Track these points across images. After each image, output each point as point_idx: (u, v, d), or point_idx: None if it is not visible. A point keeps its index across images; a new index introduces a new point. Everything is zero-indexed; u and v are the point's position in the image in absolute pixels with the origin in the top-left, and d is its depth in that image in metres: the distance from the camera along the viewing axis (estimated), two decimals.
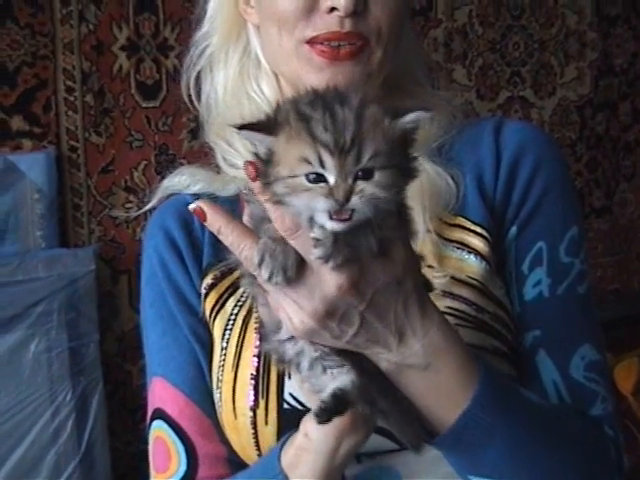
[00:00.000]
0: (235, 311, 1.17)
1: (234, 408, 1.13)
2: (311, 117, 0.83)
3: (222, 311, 1.18)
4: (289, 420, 0.99)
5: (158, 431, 1.20)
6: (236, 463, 1.17)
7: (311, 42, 1.12)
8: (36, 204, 2.60)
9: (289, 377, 1.09)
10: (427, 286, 0.98)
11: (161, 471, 1.19)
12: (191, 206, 0.92)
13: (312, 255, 0.84)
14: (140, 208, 2.65)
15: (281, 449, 1.03)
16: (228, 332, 1.17)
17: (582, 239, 1.18)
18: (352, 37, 1.11)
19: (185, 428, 1.18)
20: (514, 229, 1.17)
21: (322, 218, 0.83)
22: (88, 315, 2.61)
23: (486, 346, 1.10)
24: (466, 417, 0.95)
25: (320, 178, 0.82)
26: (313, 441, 0.98)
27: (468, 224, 1.16)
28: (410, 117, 0.85)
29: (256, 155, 0.86)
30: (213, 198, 1.23)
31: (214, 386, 1.17)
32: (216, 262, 1.21)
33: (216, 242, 1.20)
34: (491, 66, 3.33)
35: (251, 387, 1.12)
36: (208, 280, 1.20)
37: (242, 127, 0.86)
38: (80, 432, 2.59)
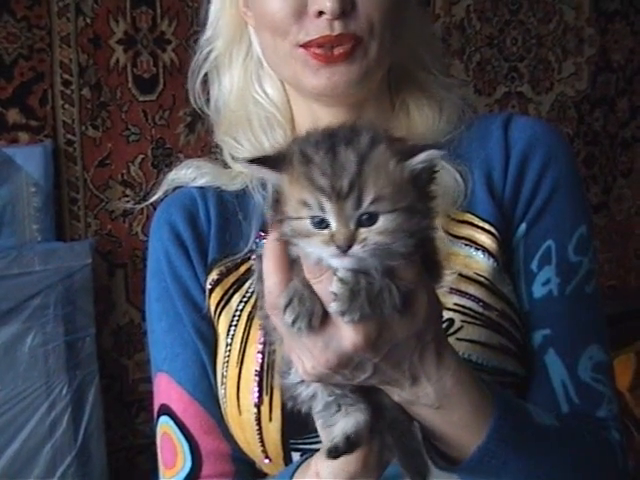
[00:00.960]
0: (240, 307, 1.17)
1: (238, 404, 1.14)
2: (312, 160, 0.81)
3: (227, 307, 1.18)
4: (293, 417, 0.99)
5: (165, 427, 1.21)
6: (240, 459, 1.18)
7: (305, 46, 1.12)
8: (32, 197, 2.60)
9: None
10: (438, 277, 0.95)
11: (169, 467, 1.21)
12: None
13: (329, 308, 0.83)
14: (137, 202, 2.70)
15: (292, 475, 1.04)
16: (233, 328, 1.17)
17: (590, 237, 1.18)
18: (344, 39, 1.10)
19: (189, 426, 1.18)
20: (523, 226, 1.16)
21: (329, 258, 0.81)
22: (84, 309, 2.61)
23: (494, 344, 1.10)
24: (481, 452, 0.95)
25: (324, 222, 0.80)
26: None
27: (476, 221, 1.15)
28: (420, 158, 0.82)
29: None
30: (220, 192, 1.23)
31: (218, 382, 1.17)
32: (222, 257, 1.20)
33: (221, 237, 1.21)
34: (489, 61, 3.33)
35: (255, 383, 1.12)
36: (213, 275, 1.20)
37: (251, 161, 0.85)
38: (76, 426, 2.59)
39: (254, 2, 1.17)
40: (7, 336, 2.49)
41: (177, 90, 2.74)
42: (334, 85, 1.12)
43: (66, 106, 2.69)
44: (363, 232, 0.80)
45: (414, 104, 1.22)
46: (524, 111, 3.38)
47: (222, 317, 1.18)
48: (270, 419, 1.11)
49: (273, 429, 1.11)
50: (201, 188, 1.24)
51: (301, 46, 1.12)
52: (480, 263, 1.13)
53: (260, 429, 1.12)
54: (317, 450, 1.03)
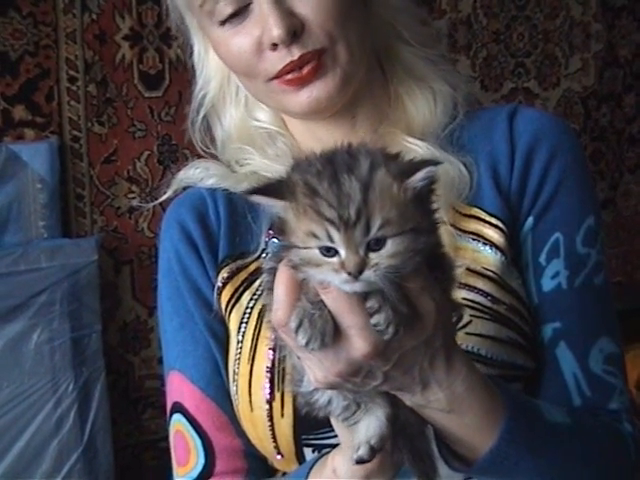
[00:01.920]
0: (251, 304, 1.17)
1: (250, 401, 1.14)
2: (316, 191, 0.81)
3: (238, 304, 1.18)
4: (305, 412, 0.99)
5: (178, 425, 1.21)
6: (253, 455, 1.18)
7: (275, 77, 1.12)
8: (38, 194, 2.60)
9: None
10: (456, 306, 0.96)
11: (182, 464, 1.21)
12: None
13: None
14: (143, 198, 2.70)
15: (307, 475, 1.04)
16: (244, 325, 1.17)
17: (599, 228, 1.17)
18: (306, 58, 1.10)
19: (202, 423, 1.19)
20: (530, 220, 1.16)
21: (340, 285, 0.81)
22: (90, 305, 2.62)
23: (502, 338, 1.10)
24: (493, 453, 0.95)
25: (332, 250, 0.81)
26: (341, 479, 0.99)
27: (483, 215, 1.15)
28: (420, 176, 0.82)
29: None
30: (229, 193, 1.24)
31: (230, 379, 1.17)
32: (232, 256, 1.21)
33: (231, 236, 1.21)
34: (495, 57, 3.32)
35: (267, 380, 1.12)
36: (224, 274, 1.20)
37: (253, 192, 0.85)
38: (82, 422, 2.59)
39: (218, 53, 1.18)
40: (13, 333, 2.50)
41: (183, 86, 2.73)
42: (317, 101, 1.13)
43: (72, 102, 2.69)
44: (373, 257, 0.80)
45: (407, 96, 1.21)
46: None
47: (233, 315, 1.18)
48: (282, 415, 1.11)
49: (285, 425, 1.11)
50: (210, 188, 1.25)
51: (272, 79, 1.13)
52: (488, 258, 1.13)
53: (272, 425, 1.12)
54: (329, 445, 1.04)
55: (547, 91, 3.43)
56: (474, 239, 1.14)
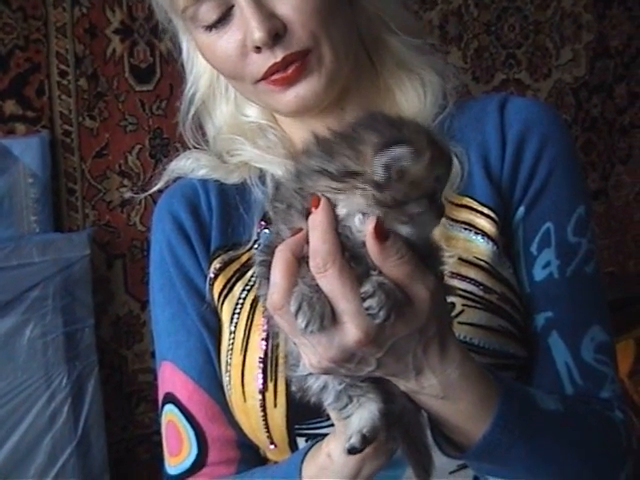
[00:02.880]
0: (243, 295, 1.18)
1: (243, 391, 1.14)
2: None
3: (230, 295, 1.19)
4: (298, 402, 0.99)
5: (170, 415, 1.21)
6: (246, 445, 1.19)
7: (262, 79, 1.12)
8: (30, 188, 2.59)
9: None
10: (449, 290, 0.98)
11: (174, 454, 1.21)
12: None
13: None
14: (135, 192, 2.69)
15: (302, 461, 1.04)
16: (236, 316, 1.17)
17: (589, 216, 1.18)
18: (290, 59, 1.10)
19: (194, 413, 1.19)
20: (522, 209, 1.16)
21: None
22: (83, 300, 2.61)
23: (494, 327, 1.10)
24: (486, 440, 0.95)
25: None
26: (335, 463, 0.99)
27: (475, 205, 1.15)
28: None
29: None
30: (220, 184, 1.24)
31: (223, 370, 1.18)
32: (224, 246, 1.21)
33: (223, 227, 1.22)
34: (486, 48, 3.32)
35: (260, 370, 1.12)
36: (216, 264, 1.20)
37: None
38: (76, 417, 2.59)
39: (204, 57, 1.19)
40: (6, 328, 2.49)
41: (174, 80, 2.72)
42: (303, 101, 1.13)
43: (63, 97, 2.68)
44: None
45: (397, 86, 1.21)
46: None
47: (225, 305, 1.19)
48: (275, 405, 1.12)
49: (278, 415, 1.12)
50: (202, 179, 1.26)
51: (259, 80, 1.13)
52: (480, 247, 1.13)
53: (265, 415, 1.12)
54: (322, 435, 1.04)
55: (538, 82, 3.43)
56: (466, 229, 1.14)
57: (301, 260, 0.85)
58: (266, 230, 1.18)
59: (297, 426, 1.12)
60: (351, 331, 0.84)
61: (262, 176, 1.23)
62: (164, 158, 2.70)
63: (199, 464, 1.19)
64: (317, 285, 0.84)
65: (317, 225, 0.84)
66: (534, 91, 3.41)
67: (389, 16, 1.21)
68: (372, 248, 0.82)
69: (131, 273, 2.81)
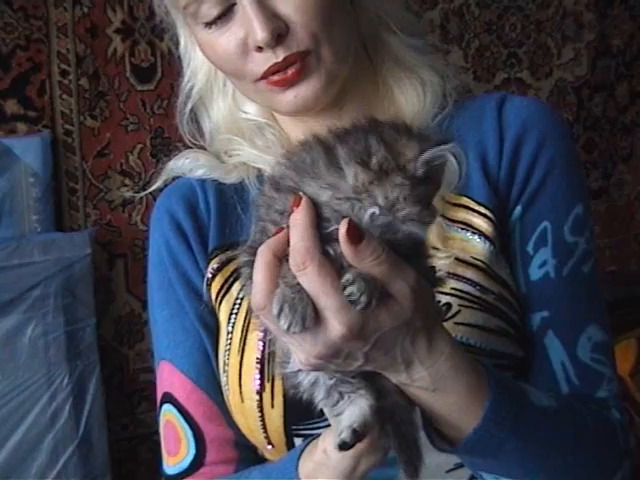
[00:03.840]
0: (241, 295, 1.17)
1: (240, 392, 1.14)
2: None
3: (228, 295, 1.19)
4: (295, 403, 0.99)
5: (168, 415, 1.21)
6: (244, 445, 1.19)
7: (262, 77, 1.12)
8: (31, 188, 2.59)
9: None
10: (437, 282, 0.97)
11: (172, 454, 1.22)
12: None
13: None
14: (136, 191, 2.69)
15: (299, 457, 1.04)
16: (234, 316, 1.17)
17: (587, 216, 1.17)
18: (291, 60, 1.09)
19: (192, 413, 1.19)
20: (519, 209, 1.16)
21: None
22: (84, 299, 2.61)
23: (491, 327, 1.10)
24: (477, 434, 0.95)
25: None
26: (331, 459, 0.99)
27: (472, 204, 1.15)
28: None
29: None
30: (218, 184, 1.24)
31: (220, 370, 1.18)
32: (222, 247, 1.21)
33: (221, 227, 1.21)
34: (488, 47, 3.32)
35: (257, 371, 1.12)
36: (214, 264, 1.20)
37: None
38: (77, 416, 2.59)
39: (204, 53, 1.18)
40: (7, 327, 2.49)
41: (175, 79, 2.70)
42: (303, 101, 1.13)
43: (64, 96, 2.68)
44: None
45: (397, 85, 1.21)
46: None
47: (223, 305, 1.19)
48: (272, 406, 1.12)
49: (275, 416, 1.12)
50: (200, 179, 1.26)
51: (259, 79, 1.12)
52: (477, 247, 1.13)
53: (262, 416, 1.12)
54: (319, 435, 1.04)
55: (540, 81, 3.43)
56: (463, 228, 1.14)
57: (283, 259, 0.85)
58: None
59: (294, 427, 1.11)
60: (334, 327, 0.84)
61: (260, 176, 1.23)
62: (165, 157, 2.69)
63: (197, 464, 1.19)
64: (299, 284, 0.84)
65: (297, 223, 0.84)
66: (535, 90, 3.41)
67: (390, 16, 1.21)
68: (346, 251, 0.82)
69: (132, 272, 2.81)
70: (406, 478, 0.96)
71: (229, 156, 1.26)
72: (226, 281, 1.19)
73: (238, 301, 1.17)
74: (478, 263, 1.12)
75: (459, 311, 1.09)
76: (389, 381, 0.93)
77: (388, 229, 0.85)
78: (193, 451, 1.19)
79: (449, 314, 1.08)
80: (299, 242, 0.83)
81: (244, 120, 1.26)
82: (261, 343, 1.13)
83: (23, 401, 2.51)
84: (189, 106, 1.26)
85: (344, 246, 0.82)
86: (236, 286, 1.18)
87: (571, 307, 1.14)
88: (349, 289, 0.83)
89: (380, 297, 0.84)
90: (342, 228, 0.82)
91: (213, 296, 1.20)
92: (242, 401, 1.14)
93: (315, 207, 0.84)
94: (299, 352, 0.87)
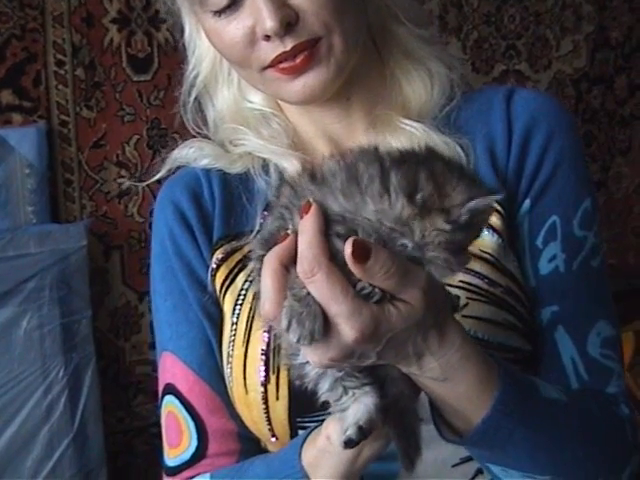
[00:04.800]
0: (246, 286, 1.16)
1: (245, 384, 1.13)
2: None
3: (232, 286, 1.18)
4: (300, 395, 0.99)
5: (170, 406, 1.20)
6: (247, 437, 1.18)
7: (269, 66, 1.11)
8: (27, 179, 2.58)
9: None
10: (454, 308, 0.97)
11: (174, 446, 1.21)
12: None
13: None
14: (132, 183, 2.68)
15: (302, 445, 1.04)
16: (238, 307, 1.16)
17: (595, 210, 1.17)
18: (299, 48, 1.08)
19: (195, 405, 1.18)
20: (527, 202, 1.15)
21: None
22: (80, 291, 2.60)
23: (499, 320, 1.10)
24: (485, 424, 0.95)
25: None
26: (334, 446, 0.98)
27: None
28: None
29: None
30: (223, 174, 1.23)
31: (224, 361, 1.17)
32: (226, 237, 1.20)
33: (226, 217, 1.21)
34: (486, 39, 3.31)
35: (262, 363, 1.12)
36: (218, 254, 1.19)
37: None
38: (73, 408, 2.58)
39: (210, 42, 1.17)
40: (2, 319, 2.48)
41: (172, 70, 2.71)
42: (311, 90, 1.11)
43: (60, 87, 2.66)
44: None
45: (404, 77, 1.20)
46: None
47: (227, 296, 1.18)
48: (277, 398, 1.11)
49: (280, 408, 1.11)
50: (205, 168, 1.25)
51: (266, 68, 1.11)
52: (485, 240, 1.12)
53: (267, 408, 1.12)
54: None
55: (538, 73, 3.42)
56: None
57: (291, 266, 0.84)
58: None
59: (299, 419, 1.11)
60: (347, 332, 0.83)
61: (265, 166, 1.22)
62: (162, 149, 2.69)
63: (199, 456, 1.18)
64: (307, 295, 0.83)
65: (305, 230, 0.83)
66: (534, 82, 3.40)
67: (398, 6, 1.21)
68: (355, 270, 0.82)
69: (129, 264, 2.80)
70: (404, 469, 0.96)
71: (234, 146, 1.25)
72: (231, 272, 1.18)
73: (243, 292, 1.17)
74: (486, 256, 1.11)
75: (467, 304, 1.09)
76: (397, 369, 0.93)
77: (413, 260, 0.84)
78: (195, 443, 1.18)
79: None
80: (307, 249, 0.82)
81: (249, 109, 1.24)
82: (266, 335, 1.12)
83: (18, 393, 2.50)
84: (193, 95, 1.25)
85: (352, 266, 0.81)
86: (241, 277, 1.17)
87: (581, 302, 1.13)
88: (360, 284, 0.82)
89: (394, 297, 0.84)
90: (347, 249, 0.81)
91: (217, 287, 1.19)
92: (246, 393, 1.13)
93: (326, 214, 0.83)
94: (312, 355, 0.86)
